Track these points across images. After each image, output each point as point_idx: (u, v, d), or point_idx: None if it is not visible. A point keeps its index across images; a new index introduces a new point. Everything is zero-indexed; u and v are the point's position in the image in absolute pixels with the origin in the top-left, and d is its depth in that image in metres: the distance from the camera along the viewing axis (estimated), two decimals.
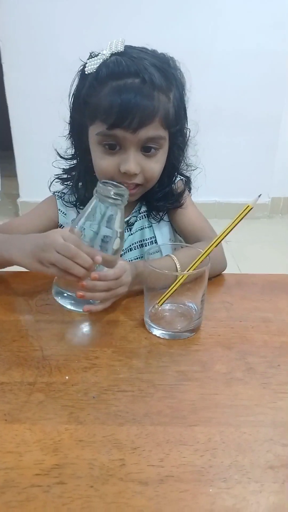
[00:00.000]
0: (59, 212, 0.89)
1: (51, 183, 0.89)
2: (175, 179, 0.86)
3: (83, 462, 0.42)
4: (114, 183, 0.62)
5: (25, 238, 0.70)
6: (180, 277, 0.60)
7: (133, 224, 0.87)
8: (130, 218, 0.86)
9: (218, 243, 0.60)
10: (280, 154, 2.57)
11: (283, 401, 0.50)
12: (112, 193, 0.60)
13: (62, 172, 0.88)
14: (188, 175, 0.89)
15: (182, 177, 0.88)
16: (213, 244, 0.59)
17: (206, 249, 0.59)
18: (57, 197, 0.89)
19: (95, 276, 0.60)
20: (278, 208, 2.77)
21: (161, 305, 0.62)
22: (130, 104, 0.68)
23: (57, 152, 0.86)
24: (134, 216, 0.87)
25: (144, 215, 0.88)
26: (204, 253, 0.59)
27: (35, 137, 2.21)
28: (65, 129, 0.83)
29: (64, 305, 0.65)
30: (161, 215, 0.87)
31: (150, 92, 0.69)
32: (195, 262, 0.60)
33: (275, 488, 0.40)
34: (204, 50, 2.30)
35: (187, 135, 0.83)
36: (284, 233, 2.62)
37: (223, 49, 2.33)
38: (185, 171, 0.88)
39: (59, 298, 0.66)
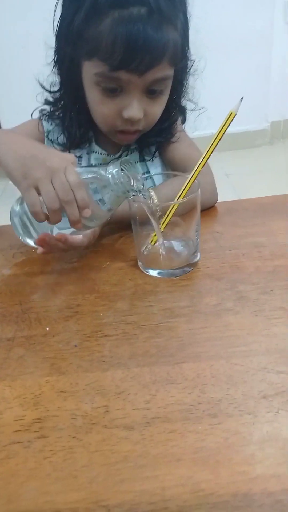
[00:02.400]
0: (47, 139, 0.79)
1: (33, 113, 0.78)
2: (174, 114, 0.77)
3: (65, 413, 0.40)
4: (129, 174, 0.54)
5: (23, 140, 0.59)
6: (170, 208, 0.54)
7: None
8: (121, 154, 0.79)
9: (205, 162, 0.53)
10: (274, 76, 2.39)
11: (277, 327, 0.46)
12: (131, 193, 0.54)
13: (46, 105, 0.77)
14: (182, 104, 0.79)
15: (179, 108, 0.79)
16: (200, 164, 0.52)
17: (193, 172, 0.53)
18: (43, 120, 0.78)
19: (60, 237, 0.56)
20: (279, 133, 2.63)
21: (153, 244, 0.57)
22: (138, 42, 0.57)
23: (41, 84, 0.75)
24: (125, 152, 0.80)
25: (135, 148, 0.80)
26: (191, 177, 0.53)
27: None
28: (48, 55, 0.69)
29: (17, 229, 0.61)
30: (153, 151, 0.79)
31: (159, 25, 0.58)
32: (184, 188, 0.54)
33: (269, 418, 0.37)
34: None
35: (190, 67, 0.72)
36: (287, 158, 2.51)
37: None
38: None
39: (16, 220, 0.60)
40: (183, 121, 0.81)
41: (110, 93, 0.64)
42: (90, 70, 0.64)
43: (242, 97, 0.50)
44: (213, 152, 0.53)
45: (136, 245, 0.58)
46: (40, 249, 0.59)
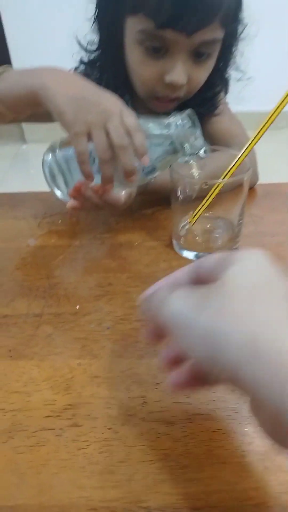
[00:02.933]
0: None
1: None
2: (218, 83, 0.72)
3: (99, 401, 0.37)
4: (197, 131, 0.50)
5: (73, 78, 0.51)
6: (216, 186, 0.49)
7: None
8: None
9: (257, 141, 0.48)
10: None
11: None
12: (187, 152, 0.50)
13: (81, 65, 0.71)
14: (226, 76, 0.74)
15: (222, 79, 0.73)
16: (252, 141, 0.48)
17: (244, 149, 0.48)
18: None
19: (98, 190, 0.51)
20: None
21: (193, 224, 0.52)
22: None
23: (78, 41, 0.69)
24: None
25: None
26: (242, 154, 0.48)
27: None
28: (89, 9, 0.64)
29: (48, 180, 0.56)
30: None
31: None
32: (232, 167, 0.49)
33: None
34: None
35: (241, 32, 0.66)
36: None
37: None
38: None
39: (47, 170, 0.55)
40: (226, 93, 0.76)
41: (154, 53, 0.59)
42: (134, 27, 0.59)
43: None
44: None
45: (174, 223, 0.54)
46: (71, 202, 0.55)
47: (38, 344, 0.43)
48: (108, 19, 0.62)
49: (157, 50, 0.58)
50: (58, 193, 0.56)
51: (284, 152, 2.24)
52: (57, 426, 0.35)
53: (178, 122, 0.50)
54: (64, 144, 0.54)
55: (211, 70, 0.64)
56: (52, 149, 0.55)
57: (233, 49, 0.67)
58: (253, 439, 0.34)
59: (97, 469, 0.32)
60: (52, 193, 0.56)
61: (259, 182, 0.70)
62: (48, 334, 0.44)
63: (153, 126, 0.51)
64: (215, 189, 0.49)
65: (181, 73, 0.59)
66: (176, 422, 0.35)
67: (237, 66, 0.71)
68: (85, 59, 0.70)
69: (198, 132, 0.50)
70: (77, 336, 0.44)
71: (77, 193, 0.53)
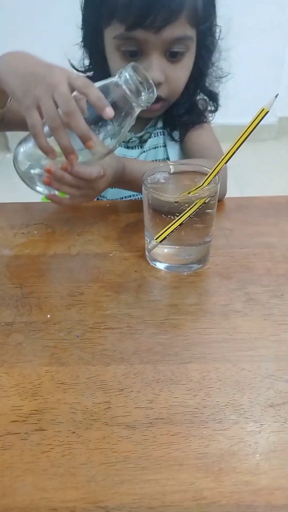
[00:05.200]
0: None
1: None
2: (201, 88, 0.75)
3: (65, 406, 0.38)
4: (146, 78, 0.52)
5: (25, 56, 0.54)
6: (193, 204, 0.50)
7: (146, 141, 0.77)
8: (144, 134, 0.76)
9: (231, 156, 0.50)
10: (286, 71, 2.35)
11: (286, 334, 0.45)
12: (143, 97, 0.52)
13: None
14: (215, 89, 0.77)
15: (203, 97, 0.77)
16: (225, 156, 0.49)
17: (217, 163, 0.50)
18: None
19: (66, 166, 0.52)
20: (286, 129, 2.60)
21: (160, 241, 0.53)
22: None
23: (70, 63, 0.74)
24: (148, 133, 0.77)
25: (160, 132, 0.77)
26: (215, 168, 0.50)
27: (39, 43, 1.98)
28: (78, 35, 0.71)
29: (23, 178, 0.57)
30: (179, 134, 0.76)
31: None
32: (206, 180, 0.51)
33: (275, 428, 0.36)
34: None
35: (218, 35, 0.70)
36: None
37: None
38: (211, 85, 0.77)
39: (24, 167, 0.57)
40: (216, 109, 0.79)
41: (130, 57, 0.63)
42: (110, 35, 0.64)
43: (277, 94, 0.47)
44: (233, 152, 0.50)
45: (146, 236, 0.56)
46: (46, 192, 0.57)
47: (8, 352, 0.44)
48: (91, 33, 0.67)
49: (133, 53, 0.63)
50: (36, 188, 0.58)
51: (266, 163, 2.29)
52: (22, 430, 0.37)
53: (126, 76, 0.52)
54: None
55: (189, 69, 0.67)
56: (21, 142, 0.57)
57: (211, 49, 0.70)
58: (210, 442, 0.35)
59: (59, 471, 0.34)
60: (32, 190, 0.58)
61: (232, 195, 0.72)
62: (19, 342, 0.45)
63: (103, 87, 0.52)
64: (192, 207, 0.51)
65: (156, 71, 0.63)
66: (138, 426, 0.37)
67: (219, 75, 0.74)
68: None
69: (148, 82, 0.53)
70: (47, 344, 0.45)
71: (49, 179, 0.54)
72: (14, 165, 0.58)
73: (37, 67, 0.51)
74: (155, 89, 0.53)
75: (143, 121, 0.76)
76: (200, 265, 0.55)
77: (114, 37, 0.63)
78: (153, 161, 0.77)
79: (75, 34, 0.71)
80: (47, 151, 0.51)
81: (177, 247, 0.55)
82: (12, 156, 0.58)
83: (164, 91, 0.66)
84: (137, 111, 0.54)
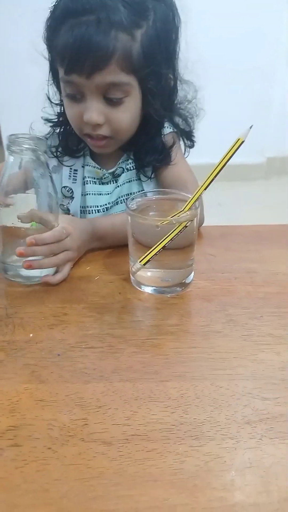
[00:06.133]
0: None
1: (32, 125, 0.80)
2: (162, 130, 0.77)
3: (42, 422, 0.38)
4: (26, 137, 0.55)
5: None
6: (177, 226, 0.52)
7: (119, 175, 0.80)
8: (116, 169, 0.79)
9: (208, 185, 0.52)
10: (275, 110, 2.45)
11: (264, 353, 0.46)
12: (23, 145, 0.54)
13: (49, 119, 0.81)
14: (186, 127, 0.80)
15: (175, 130, 0.79)
16: (204, 183, 0.52)
17: (197, 190, 0.52)
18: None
19: (31, 240, 0.54)
20: (274, 169, 2.68)
21: (144, 264, 0.54)
22: (81, 45, 0.61)
23: (47, 96, 0.78)
24: (121, 167, 0.79)
25: (132, 166, 0.80)
26: (195, 194, 0.52)
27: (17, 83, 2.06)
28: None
29: (14, 279, 0.59)
30: (150, 172, 0.78)
31: (106, 31, 0.61)
32: (184, 207, 0.53)
33: (251, 444, 0.36)
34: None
35: (172, 78, 0.73)
36: (280, 195, 2.55)
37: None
38: (182, 122, 0.79)
39: (7, 273, 0.59)
40: (191, 147, 0.82)
41: (74, 98, 0.68)
42: (61, 79, 0.69)
43: (252, 125, 0.50)
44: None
45: (131, 260, 0.57)
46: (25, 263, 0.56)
47: None
48: (53, 76, 0.73)
49: (74, 95, 0.67)
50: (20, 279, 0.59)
51: (255, 201, 2.34)
52: None
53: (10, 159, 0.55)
54: None
55: (133, 111, 0.69)
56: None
57: (158, 93, 0.70)
58: (185, 458, 0.35)
59: (32, 487, 0.33)
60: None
61: (216, 224, 0.75)
62: (0, 360, 0.45)
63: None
64: (170, 234, 0.53)
65: (93, 113, 0.66)
66: (114, 442, 0.36)
67: (192, 113, 0.78)
68: (48, 116, 0.80)
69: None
70: (28, 363, 0.45)
71: (27, 262, 0.55)
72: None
73: None
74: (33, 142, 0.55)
75: (114, 157, 0.79)
76: (183, 288, 0.56)
77: (60, 79, 0.68)
78: (122, 212, 0.77)
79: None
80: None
81: (160, 270, 0.57)
82: None
83: (105, 131, 0.69)
84: (42, 159, 0.55)
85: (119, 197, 0.80)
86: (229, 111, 2.42)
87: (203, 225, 0.74)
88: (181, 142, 0.82)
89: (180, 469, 0.34)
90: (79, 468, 0.35)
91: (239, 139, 0.50)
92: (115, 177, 0.79)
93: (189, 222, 0.52)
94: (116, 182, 0.80)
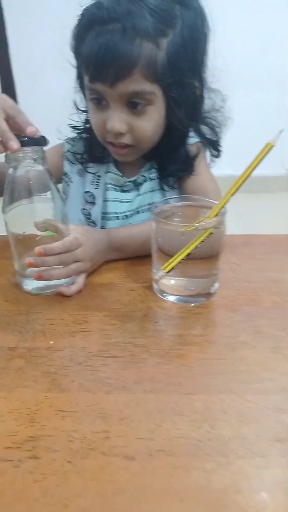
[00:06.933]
0: (65, 157, 0.83)
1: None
2: (186, 140, 0.76)
3: (62, 434, 0.37)
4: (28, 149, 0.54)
5: None
6: (202, 233, 0.50)
7: (141, 184, 0.78)
8: (137, 178, 0.78)
9: (236, 191, 0.50)
10: None
11: None
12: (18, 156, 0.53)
13: (76, 126, 0.82)
14: (213, 137, 0.78)
15: (200, 140, 0.78)
16: (231, 189, 0.50)
17: (224, 196, 0.51)
18: (66, 142, 0.83)
19: (40, 250, 0.53)
20: None
21: (168, 271, 0.53)
22: (105, 53, 0.60)
23: (75, 104, 0.79)
24: (143, 176, 0.78)
25: (155, 176, 0.78)
26: (223, 199, 0.51)
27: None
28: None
29: (31, 291, 0.58)
30: (172, 182, 0.77)
31: (131, 39, 0.60)
32: (211, 213, 0.52)
33: (282, 463, 0.34)
34: None
35: (199, 87, 0.71)
36: None
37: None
38: (209, 132, 0.78)
39: (25, 284, 0.58)
40: (217, 156, 0.80)
41: (98, 105, 0.67)
42: (85, 84, 0.69)
43: (282, 129, 0.49)
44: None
45: (154, 267, 0.56)
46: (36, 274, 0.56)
47: (9, 376, 0.43)
48: (80, 83, 0.73)
49: (99, 101, 0.67)
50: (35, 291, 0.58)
51: (276, 213, 2.30)
52: (16, 457, 0.35)
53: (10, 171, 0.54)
54: None
55: (156, 120, 0.68)
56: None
57: (182, 103, 0.68)
58: (213, 476, 0.33)
59: (51, 501, 0.32)
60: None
61: (240, 233, 0.73)
62: (20, 367, 0.44)
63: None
64: (196, 240, 0.51)
65: (116, 121, 0.65)
66: (137, 457, 0.35)
67: (218, 123, 0.76)
68: (74, 124, 0.80)
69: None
70: (48, 370, 0.44)
71: (37, 272, 0.54)
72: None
73: None
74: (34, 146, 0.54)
75: (137, 166, 0.78)
76: (207, 298, 0.55)
77: (86, 86, 0.68)
78: (141, 222, 0.75)
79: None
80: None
81: (184, 278, 0.55)
82: None
83: (128, 139, 0.68)
84: (41, 167, 0.54)
85: (140, 206, 0.79)
86: (247, 120, 2.40)
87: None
88: (207, 152, 0.81)
89: (207, 488, 0.32)
90: (100, 483, 0.33)
91: (269, 143, 0.49)
92: (136, 185, 0.78)
93: (215, 229, 0.51)
94: (137, 190, 0.79)
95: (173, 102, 0.68)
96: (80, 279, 0.58)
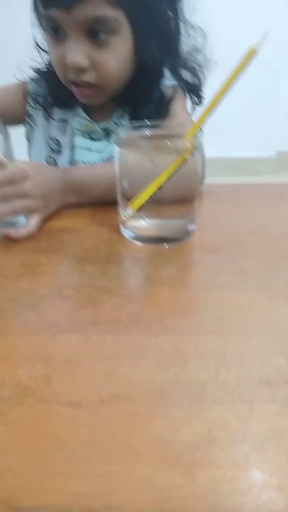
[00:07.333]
0: (29, 98, 0.74)
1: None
2: (160, 80, 0.68)
3: None
4: None
5: None
6: (175, 161, 0.42)
7: (113, 132, 0.71)
8: (108, 125, 0.70)
9: (216, 104, 0.42)
10: (285, 101, 2.36)
11: (285, 307, 0.36)
12: None
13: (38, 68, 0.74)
14: (195, 81, 0.70)
15: (179, 83, 0.69)
16: (213, 100, 0.42)
17: (205, 109, 0.43)
18: (31, 80, 0.75)
19: None
20: (285, 163, 2.58)
21: (137, 209, 0.45)
22: None
23: (35, 41, 0.70)
24: (114, 123, 0.70)
25: (128, 122, 0.70)
26: (202, 115, 0.43)
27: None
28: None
29: None
30: None
31: None
32: (192, 130, 0.43)
33: (272, 410, 0.26)
34: None
35: (174, 17, 0.63)
36: None
37: None
38: (190, 78, 0.70)
39: None
40: (198, 104, 0.72)
41: (56, 37, 0.60)
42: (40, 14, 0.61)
43: (267, 32, 0.41)
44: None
45: (120, 206, 0.48)
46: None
47: None
48: (36, 17, 0.63)
49: (56, 32, 0.59)
50: None
51: None
52: None
53: None
54: None
55: (121, 54, 0.60)
56: None
57: (150, 36, 0.61)
58: (181, 427, 0.25)
59: None
60: None
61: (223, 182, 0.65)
62: None
63: None
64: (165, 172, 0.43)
65: (77, 54, 0.58)
66: (84, 404, 0.27)
67: (199, 65, 0.68)
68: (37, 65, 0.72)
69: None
70: None
71: None
72: None
73: None
74: None
75: (108, 111, 0.70)
76: (183, 239, 0.47)
77: (40, 16, 0.60)
78: (107, 162, 0.66)
79: None
80: None
81: (156, 219, 0.47)
82: None
83: (91, 77, 0.60)
84: None
85: (112, 157, 0.70)
86: (233, 103, 2.33)
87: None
88: (188, 100, 0.73)
89: (173, 441, 0.25)
90: (34, 436, 0.25)
91: (252, 49, 0.41)
92: (107, 133, 0.70)
93: (191, 157, 0.43)
94: (108, 139, 0.70)
95: (142, 32, 0.60)
96: (32, 221, 0.49)
